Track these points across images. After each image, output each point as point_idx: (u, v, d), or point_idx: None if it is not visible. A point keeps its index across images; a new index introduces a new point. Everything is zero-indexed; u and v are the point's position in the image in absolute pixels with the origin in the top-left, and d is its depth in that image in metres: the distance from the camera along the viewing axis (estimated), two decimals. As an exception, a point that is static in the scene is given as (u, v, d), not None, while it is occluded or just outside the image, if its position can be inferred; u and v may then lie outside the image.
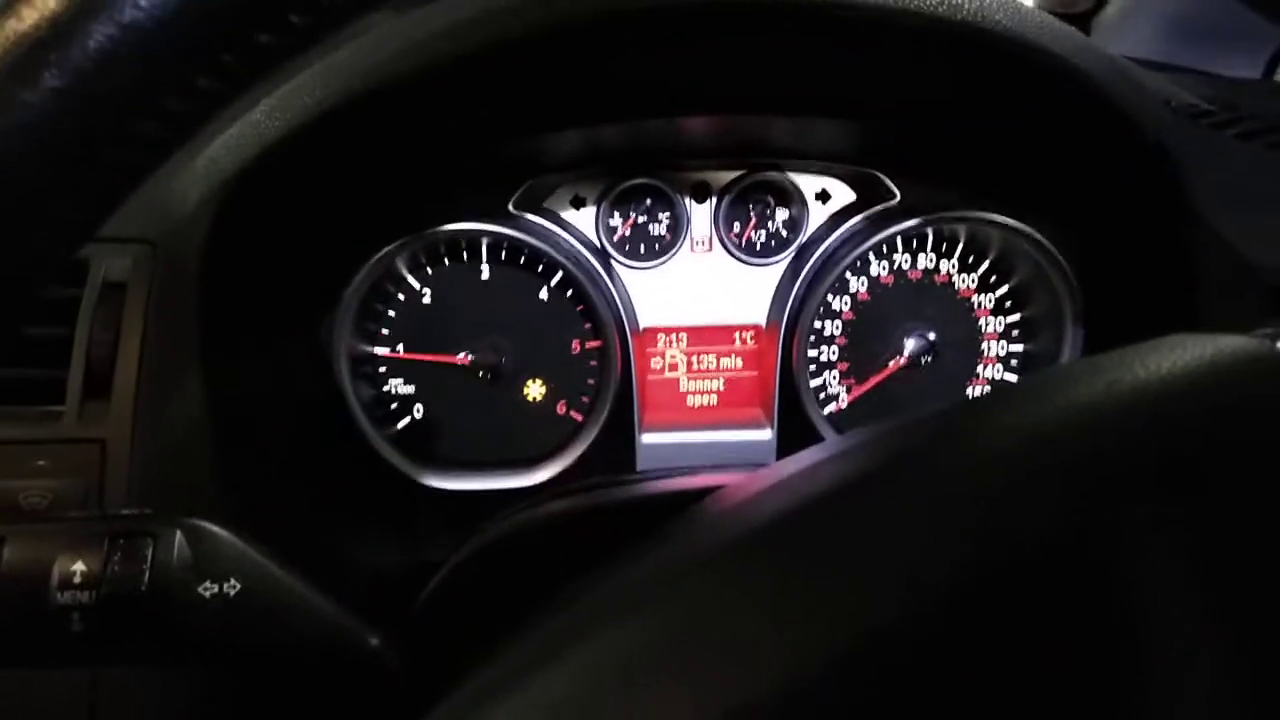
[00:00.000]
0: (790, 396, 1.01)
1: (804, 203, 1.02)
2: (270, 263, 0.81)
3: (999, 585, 0.28)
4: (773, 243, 1.03)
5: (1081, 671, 0.26)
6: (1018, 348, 1.04)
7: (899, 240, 1.01)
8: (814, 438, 1.01)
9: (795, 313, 0.99)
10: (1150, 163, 0.79)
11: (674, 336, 1.07)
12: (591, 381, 1.02)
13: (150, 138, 0.27)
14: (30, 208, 0.26)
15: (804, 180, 1.01)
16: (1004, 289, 1.02)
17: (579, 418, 1.03)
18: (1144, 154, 0.78)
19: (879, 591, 0.28)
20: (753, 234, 1.03)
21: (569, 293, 1.00)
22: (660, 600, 0.30)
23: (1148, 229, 0.85)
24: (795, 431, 1.02)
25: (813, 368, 1.04)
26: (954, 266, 1.02)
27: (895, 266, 1.02)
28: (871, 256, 1.02)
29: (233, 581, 0.51)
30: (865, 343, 1.03)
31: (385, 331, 1.00)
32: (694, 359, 1.07)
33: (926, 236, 1.00)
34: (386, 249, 0.92)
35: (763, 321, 1.06)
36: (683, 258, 1.04)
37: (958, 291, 1.02)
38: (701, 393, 1.08)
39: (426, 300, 0.99)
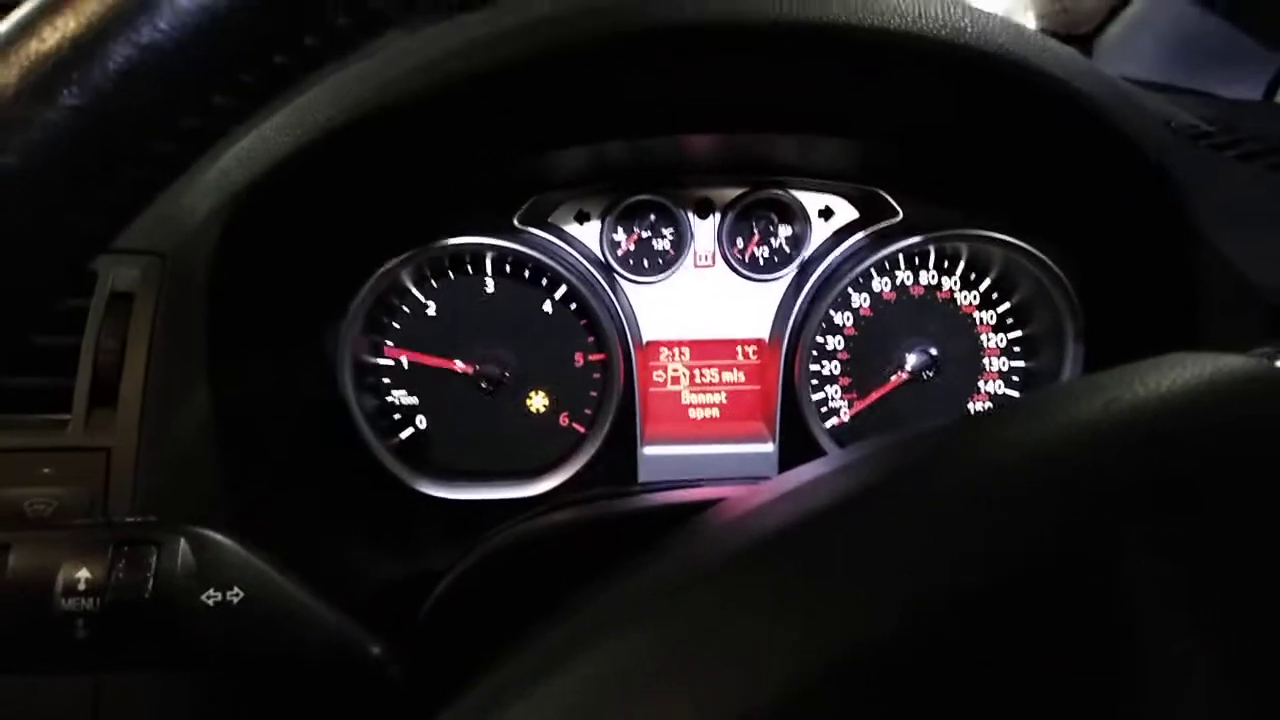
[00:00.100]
0: (792, 410, 1.01)
1: (807, 219, 1.02)
2: (277, 275, 0.81)
3: (998, 600, 0.28)
4: (775, 259, 1.04)
5: (1078, 686, 0.27)
6: (1019, 364, 1.04)
7: (901, 257, 1.01)
8: (816, 452, 1.01)
9: (798, 327, 0.99)
10: (1151, 183, 0.79)
11: (677, 350, 1.07)
12: (594, 394, 1.03)
13: (167, 155, 0.27)
14: (48, 221, 0.26)
15: (807, 197, 1.02)
16: (1005, 306, 1.02)
17: (581, 429, 1.03)
18: (1145, 174, 0.78)
19: (879, 605, 0.28)
20: (756, 250, 1.04)
21: (573, 306, 1.00)
22: (662, 612, 0.31)
23: (1148, 248, 0.86)
24: (797, 445, 1.02)
25: (814, 382, 1.04)
26: (956, 283, 1.02)
27: (897, 283, 1.02)
28: (874, 273, 1.02)
29: (236, 589, 0.51)
30: (867, 358, 1.04)
31: (390, 344, 1.00)
32: (696, 372, 1.08)
33: (929, 254, 1.01)
34: (392, 262, 0.93)
35: (765, 336, 1.06)
36: (686, 273, 1.04)
37: (959, 308, 1.03)
38: (704, 406, 1.09)
39: (431, 313, 1.00)
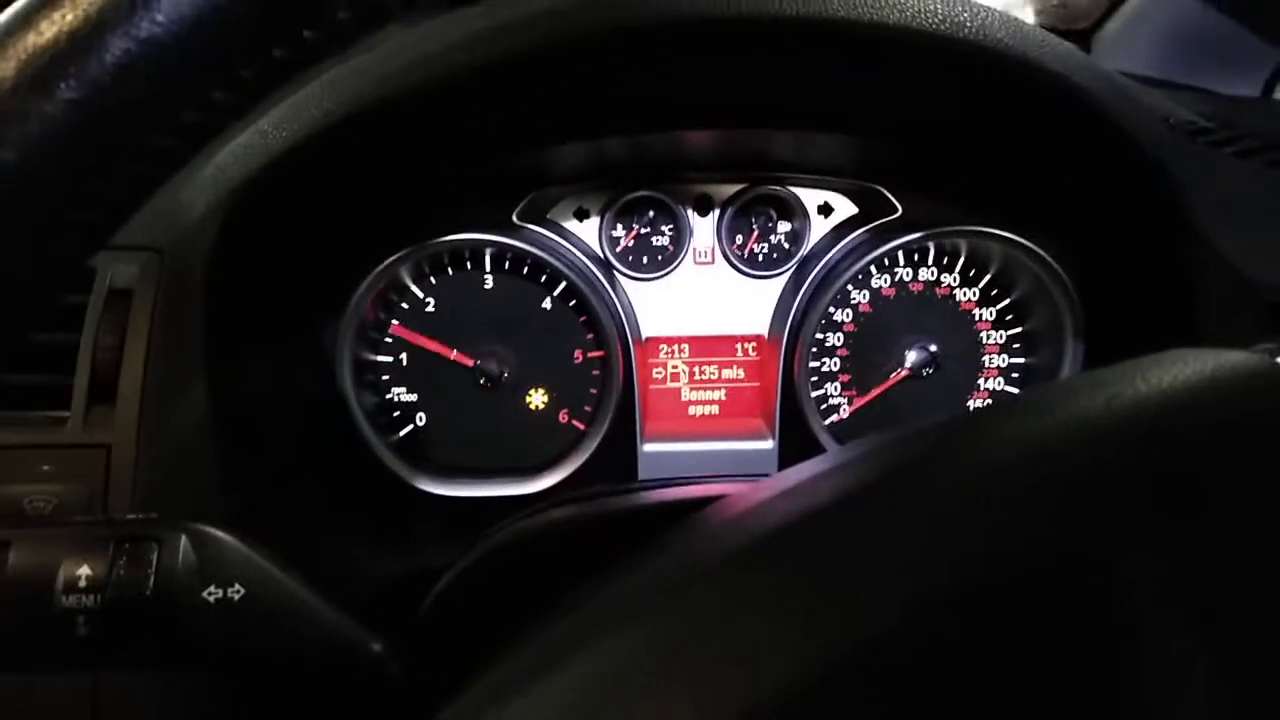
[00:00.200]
0: (792, 407, 1.01)
1: (806, 216, 1.02)
2: (276, 271, 0.81)
3: (998, 596, 0.28)
4: (775, 255, 1.04)
5: (1078, 684, 0.27)
6: (1018, 361, 1.04)
7: (900, 253, 1.01)
8: (815, 448, 1.01)
9: (797, 324, 0.99)
10: (1149, 179, 0.79)
11: (676, 347, 1.07)
12: (594, 391, 1.02)
13: (165, 149, 0.27)
14: (46, 216, 0.26)
15: (806, 194, 1.02)
16: (1005, 302, 1.02)
17: (581, 426, 1.03)
18: (1143, 170, 0.78)
19: (879, 603, 0.28)
20: (755, 246, 1.04)
21: (572, 303, 1.00)
22: (661, 609, 0.31)
23: (1147, 244, 0.86)
24: (797, 442, 1.02)
25: (814, 379, 1.04)
26: (955, 280, 1.02)
27: (897, 279, 1.02)
28: (873, 269, 1.02)
29: (237, 586, 0.51)
30: (867, 354, 1.04)
31: (389, 340, 1.00)
32: (696, 369, 1.08)
33: (928, 250, 1.01)
34: (391, 258, 0.93)
35: (765, 333, 1.06)
36: (685, 269, 1.04)
37: (959, 304, 1.03)
38: (703, 403, 1.09)
39: (430, 309, 1.00)
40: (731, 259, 1.03)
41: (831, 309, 1.03)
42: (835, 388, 1.05)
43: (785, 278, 1.04)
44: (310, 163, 0.72)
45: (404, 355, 1.00)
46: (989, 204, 0.95)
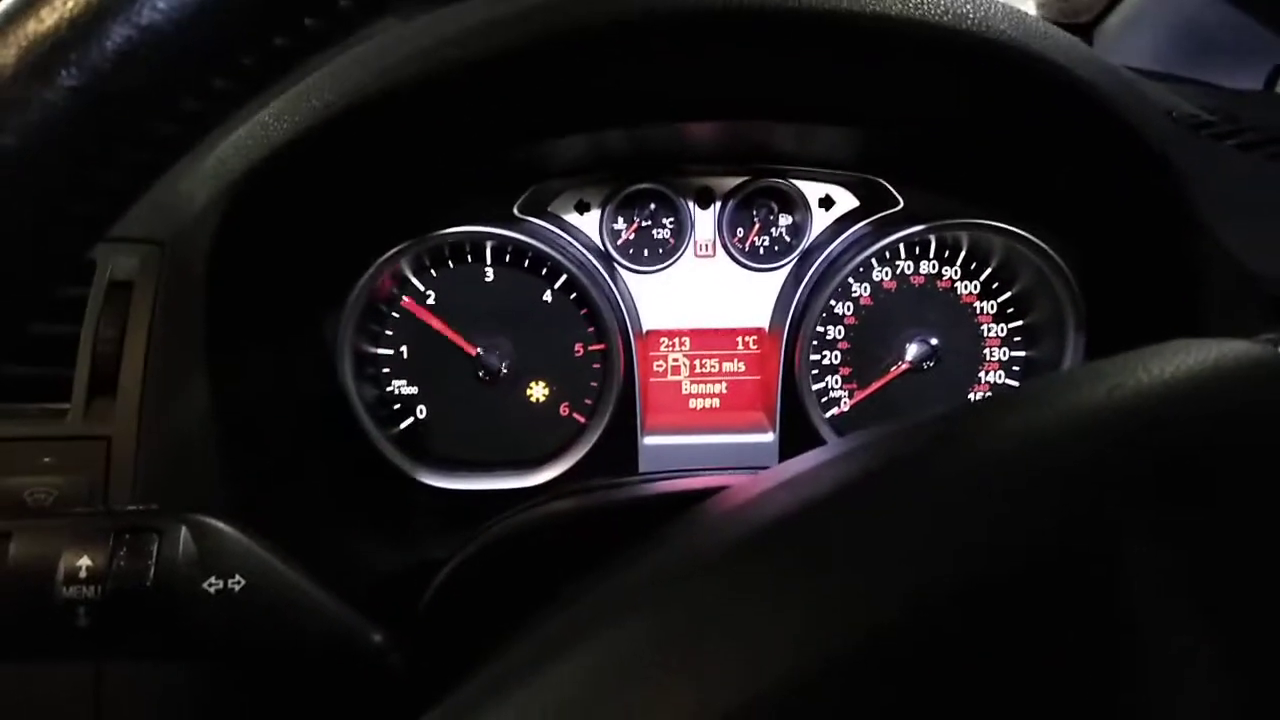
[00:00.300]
0: (792, 400, 1.01)
1: (807, 208, 1.02)
2: (276, 264, 0.81)
3: (999, 587, 0.28)
4: (776, 248, 1.04)
5: (1080, 674, 0.27)
6: (1020, 354, 1.04)
7: (902, 246, 1.01)
8: (816, 441, 1.01)
9: (798, 317, 0.99)
10: (1152, 172, 0.79)
11: (677, 340, 1.07)
12: (594, 384, 1.02)
13: (166, 137, 0.27)
14: (47, 204, 0.26)
15: (807, 186, 1.02)
16: (1006, 295, 1.02)
17: (581, 420, 1.03)
18: (1146, 163, 0.78)
19: (880, 594, 0.28)
20: (756, 239, 1.04)
21: (572, 296, 1.00)
22: (662, 600, 0.31)
23: (1149, 237, 0.86)
24: (797, 435, 1.02)
25: (815, 372, 1.04)
26: (956, 273, 1.02)
27: (898, 272, 1.02)
28: (874, 262, 1.02)
29: (237, 577, 0.51)
30: (868, 347, 1.04)
31: (389, 333, 1.00)
32: (696, 362, 1.08)
33: (929, 243, 1.01)
34: (392, 251, 0.93)
35: (765, 326, 1.06)
36: (686, 262, 1.04)
37: (960, 297, 1.03)
38: (704, 396, 1.09)
39: (431, 302, 1.00)
40: (732, 252, 1.03)
41: (832, 302, 1.02)
42: (836, 381, 1.05)
43: (786, 271, 1.04)
44: (311, 155, 0.72)
45: (405, 348, 1.00)
46: (991, 197, 0.95)
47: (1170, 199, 0.79)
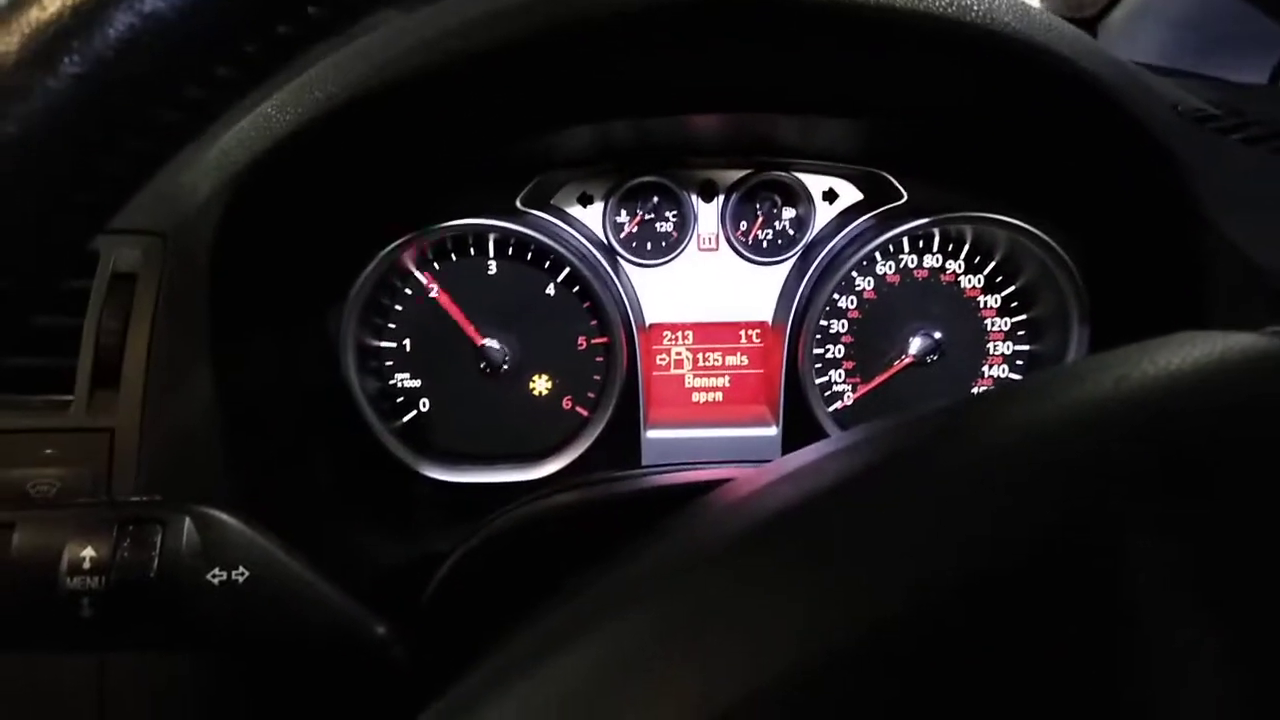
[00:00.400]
0: (796, 394, 1.01)
1: (811, 202, 1.02)
2: (279, 256, 0.81)
3: (1003, 580, 0.28)
4: (779, 241, 1.03)
5: (1084, 667, 0.26)
6: (1024, 348, 1.04)
7: (905, 240, 1.01)
8: (819, 435, 1.01)
9: (801, 311, 0.99)
10: (1157, 165, 0.79)
11: (680, 333, 1.07)
12: (597, 377, 1.02)
13: (168, 126, 0.27)
14: (49, 193, 0.26)
15: (811, 180, 1.01)
16: (1010, 289, 1.02)
17: (584, 413, 1.03)
18: (1150, 157, 0.78)
19: (883, 586, 0.28)
20: (759, 233, 1.03)
21: (575, 289, 1.00)
22: (665, 592, 0.31)
23: (1154, 231, 0.85)
24: (800, 429, 1.02)
25: (818, 365, 1.04)
26: (960, 266, 1.02)
27: (901, 266, 1.02)
28: (878, 256, 1.02)
29: (241, 569, 0.51)
30: (871, 341, 1.04)
31: (392, 325, 1.00)
32: (700, 356, 1.08)
33: (933, 236, 1.01)
34: (395, 243, 0.93)
35: (769, 319, 1.06)
36: (689, 256, 1.04)
37: (964, 291, 1.03)
38: (707, 389, 1.09)
39: (433, 295, 0.99)
40: (736, 245, 1.03)
41: (836, 295, 1.02)
42: (839, 374, 1.05)
43: (790, 264, 1.04)
44: (314, 146, 0.72)
45: (408, 341, 1.00)
46: (995, 190, 0.95)
47: (1175, 192, 0.79)
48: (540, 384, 1.03)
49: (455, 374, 1.01)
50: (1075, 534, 0.28)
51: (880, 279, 1.02)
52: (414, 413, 1.02)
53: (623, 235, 1.03)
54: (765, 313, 1.06)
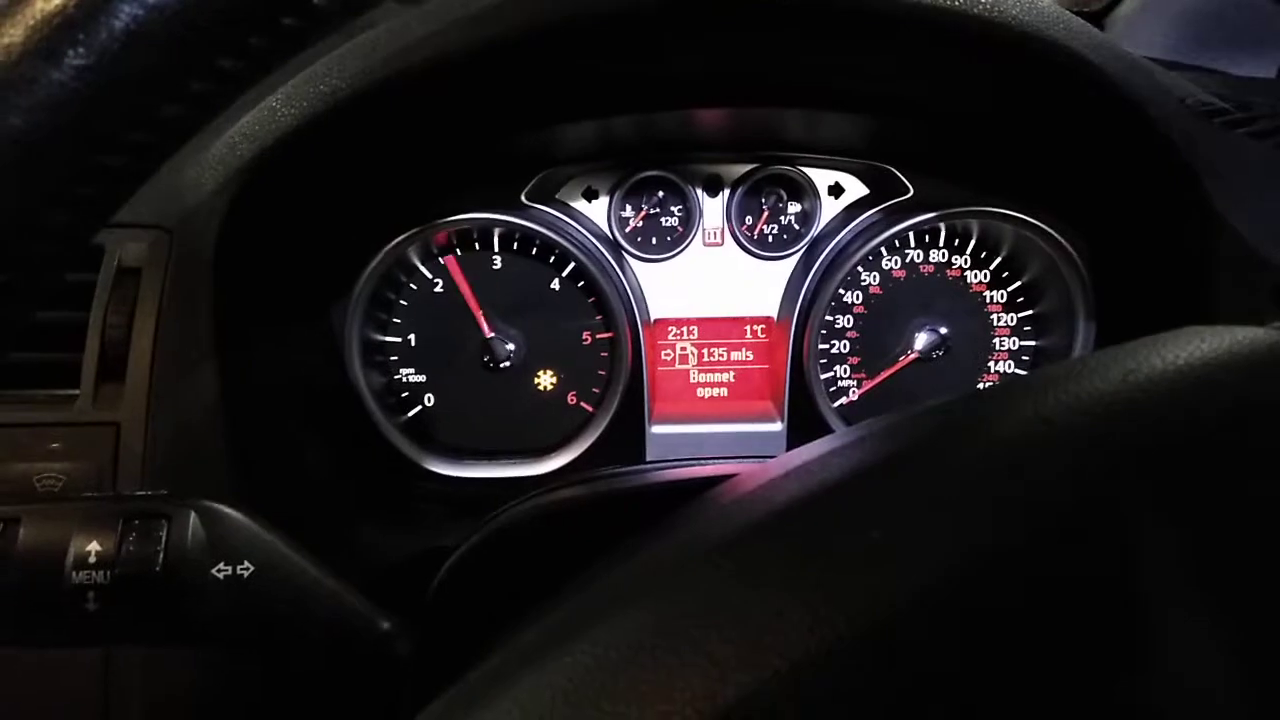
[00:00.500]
0: (801, 389, 1.01)
1: (816, 196, 1.02)
2: (284, 250, 0.81)
3: (1010, 573, 0.28)
4: (785, 236, 1.03)
5: (1089, 656, 0.26)
6: (1029, 343, 1.03)
7: (911, 235, 1.01)
8: (824, 431, 1.01)
9: (807, 306, 0.99)
10: (1164, 160, 0.78)
11: (685, 329, 1.07)
12: (602, 372, 1.02)
13: (173, 118, 0.27)
14: (53, 186, 0.26)
15: (816, 174, 1.01)
16: (1016, 284, 1.02)
17: (589, 408, 1.03)
18: (1158, 151, 0.78)
19: (889, 578, 0.28)
20: (765, 227, 1.03)
21: (580, 284, 1.00)
22: (670, 586, 0.30)
23: (1161, 225, 0.85)
24: (805, 424, 1.02)
25: (824, 361, 1.04)
26: (966, 261, 1.02)
27: (907, 261, 1.02)
28: (883, 251, 1.01)
29: (246, 563, 0.51)
30: (877, 337, 1.04)
31: (397, 321, 1.00)
32: (704, 351, 1.07)
33: (939, 231, 1.00)
34: (399, 238, 0.93)
35: (774, 314, 1.06)
36: (694, 250, 1.04)
37: (970, 286, 1.02)
38: (712, 385, 1.08)
39: (438, 289, 0.99)
40: (741, 240, 1.03)
41: (841, 291, 1.02)
42: (844, 370, 1.05)
43: (795, 259, 1.04)
44: (319, 141, 0.72)
45: (412, 336, 1.00)
46: (1001, 185, 0.95)
47: (1182, 187, 0.79)
48: (545, 379, 1.03)
49: (460, 369, 1.01)
50: (1082, 524, 0.28)
51: (886, 274, 1.02)
52: (419, 408, 1.02)
53: (628, 230, 1.02)
54: (770, 308, 1.06)
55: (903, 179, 0.98)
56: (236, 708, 0.73)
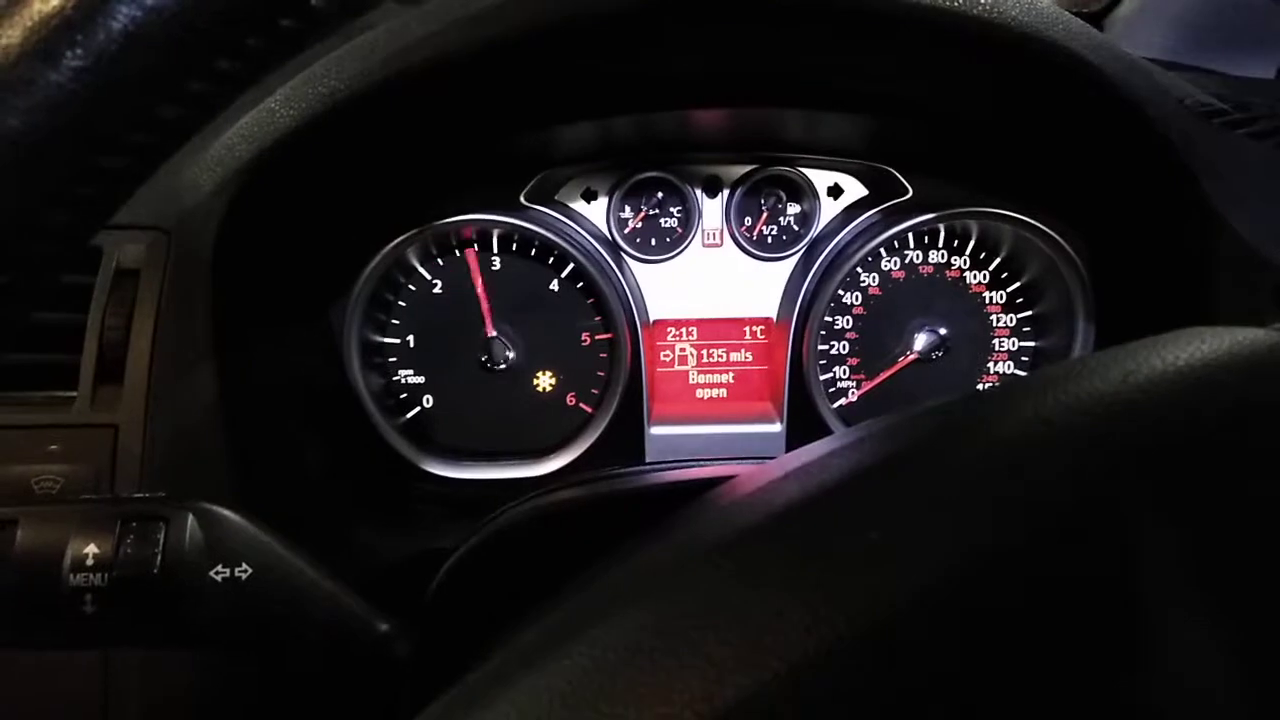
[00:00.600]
0: (800, 390, 1.01)
1: (816, 197, 1.02)
2: (283, 251, 0.81)
3: (1010, 574, 0.28)
4: (784, 237, 1.03)
5: (1089, 656, 0.26)
6: (1029, 344, 1.03)
7: (910, 235, 1.01)
8: (823, 432, 1.01)
9: (806, 307, 0.99)
10: (1163, 160, 0.78)
11: (684, 329, 1.07)
12: (601, 373, 1.02)
13: (171, 119, 0.27)
14: (51, 187, 0.26)
15: (816, 175, 1.01)
16: (1016, 285, 1.02)
17: (589, 409, 1.03)
18: (1157, 151, 0.78)
19: (889, 579, 0.28)
20: (764, 228, 1.03)
21: (579, 285, 1.00)
22: (670, 587, 0.30)
23: (1160, 226, 0.85)
24: (805, 425, 1.02)
25: (823, 362, 1.04)
26: (965, 262, 1.02)
27: (907, 262, 1.02)
28: (883, 251, 1.01)
29: (244, 566, 0.51)
30: (876, 337, 1.03)
31: (396, 322, 1.00)
32: (704, 352, 1.07)
33: (938, 232, 1.00)
34: (398, 239, 0.93)
35: (773, 315, 1.06)
36: (694, 251, 1.04)
37: (969, 287, 1.02)
38: (711, 386, 1.08)
39: (437, 290, 0.99)
40: (740, 241, 1.03)
41: (841, 292, 1.02)
42: (844, 371, 1.05)
43: (794, 260, 1.04)
44: (317, 141, 0.72)
45: (411, 337, 1.00)
46: (1000, 186, 0.95)
47: (1181, 186, 0.79)
48: (544, 380, 1.03)
49: (459, 370, 1.01)
50: (1083, 525, 0.28)
51: (885, 275, 1.02)
52: (417, 409, 1.02)
53: (627, 231, 1.02)
54: (769, 309, 1.06)
55: (902, 180, 0.98)
56: (235, 710, 0.73)
